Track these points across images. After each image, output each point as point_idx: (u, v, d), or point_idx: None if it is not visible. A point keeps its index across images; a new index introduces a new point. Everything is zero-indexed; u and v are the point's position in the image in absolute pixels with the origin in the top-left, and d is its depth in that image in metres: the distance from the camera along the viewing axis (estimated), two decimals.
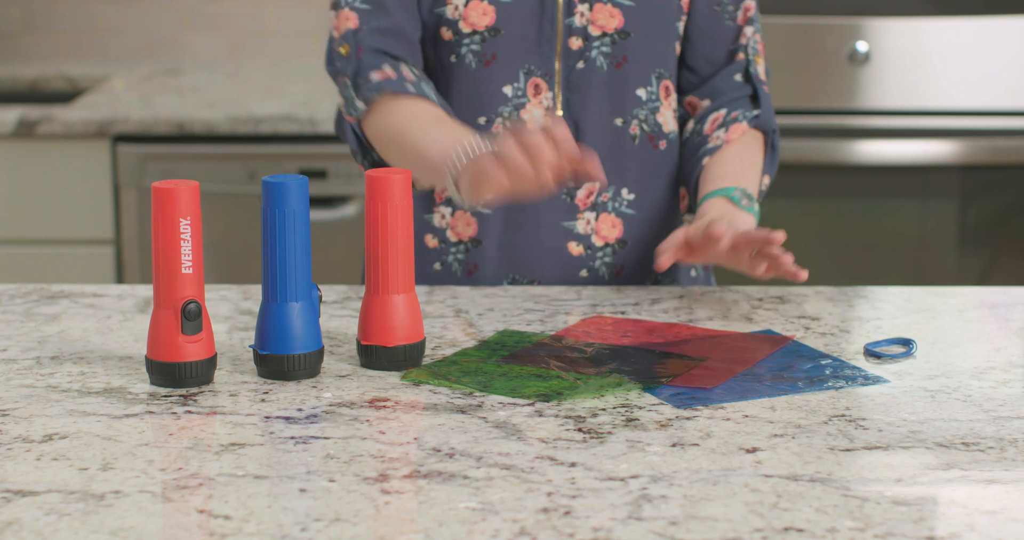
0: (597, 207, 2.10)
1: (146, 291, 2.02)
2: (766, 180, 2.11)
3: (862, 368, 1.73)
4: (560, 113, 2.08)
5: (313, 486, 1.40)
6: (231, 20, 4.08)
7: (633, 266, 2.12)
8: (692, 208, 2.13)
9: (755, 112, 2.11)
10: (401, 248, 1.71)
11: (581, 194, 2.09)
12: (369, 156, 2.11)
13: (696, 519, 1.34)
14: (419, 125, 1.98)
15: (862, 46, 3.27)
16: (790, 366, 1.73)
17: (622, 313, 1.93)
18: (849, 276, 3.33)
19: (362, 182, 3.35)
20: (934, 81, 3.28)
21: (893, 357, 1.77)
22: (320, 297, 1.71)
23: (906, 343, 1.81)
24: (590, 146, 2.08)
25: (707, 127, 2.12)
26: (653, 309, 1.95)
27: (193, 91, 3.68)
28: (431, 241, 2.13)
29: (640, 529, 1.32)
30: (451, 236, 2.12)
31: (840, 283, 3.21)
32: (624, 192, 2.10)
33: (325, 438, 1.52)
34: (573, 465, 1.45)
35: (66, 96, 3.90)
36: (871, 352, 1.78)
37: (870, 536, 1.31)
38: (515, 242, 2.09)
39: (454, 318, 1.91)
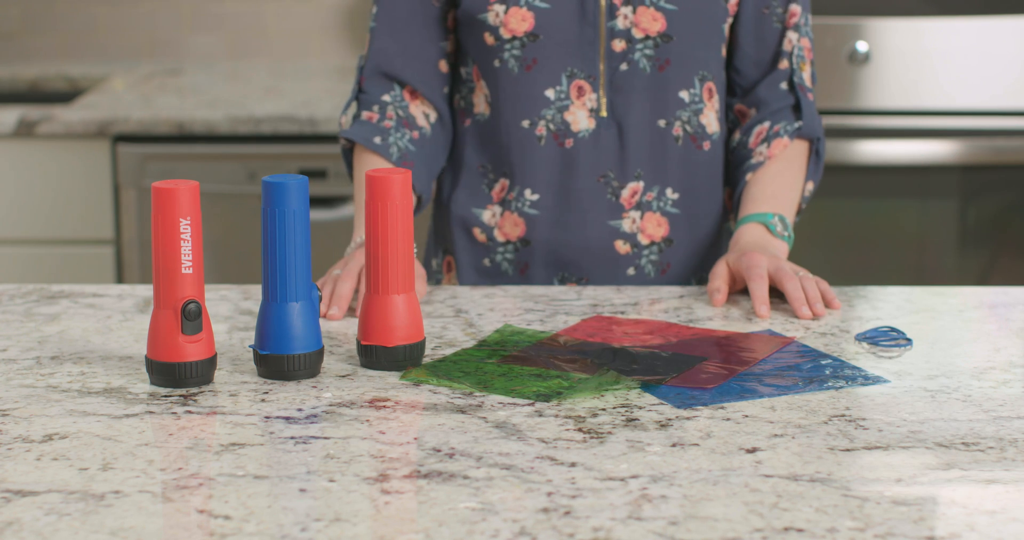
0: (642, 206, 2.12)
1: (146, 291, 2.02)
2: (810, 186, 2.16)
3: (862, 368, 1.73)
4: (604, 115, 2.09)
5: (313, 486, 1.40)
6: (231, 20, 4.08)
7: (679, 265, 2.15)
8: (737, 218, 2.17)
9: (797, 124, 2.14)
10: (401, 248, 1.71)
11: (626, 194, 2.11)
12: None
13: (696, 519, 1.34)
14: (358, 183, 2.11)
15: (862, 46, 3.27)
16: (790, 366, 1.73)
17: (622, 313, 1.93)
18: (849, 276, 3.33)
19: None
20: (934, 81, 3.28)
21: (890, 347, 1.78)
22: (320, 297, 1.71)
23: (895, 331, 1.82)
24: (634, 146, 2.11)
25: (751, 140, 2.16)
26: (653, 309, 1.95)
27: (193, 91, 3.68)
28: (480, 235, 2.15)
29: (640, 529, 1.32)
30: (499, 236, 2.14)
31: (840, 283, 3.20)
32: (668, 192, 2.13)
33: (325, 438, 1.52)
34: (573, 465, 1.45)
35: (66, 96, 3.90)
36: (865, 338, 1.80)
37: (870, 536, 1.31)
38: (562, 242, 2.12)
39: (454, 318, 1.91)
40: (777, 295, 1.99)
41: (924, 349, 1.80)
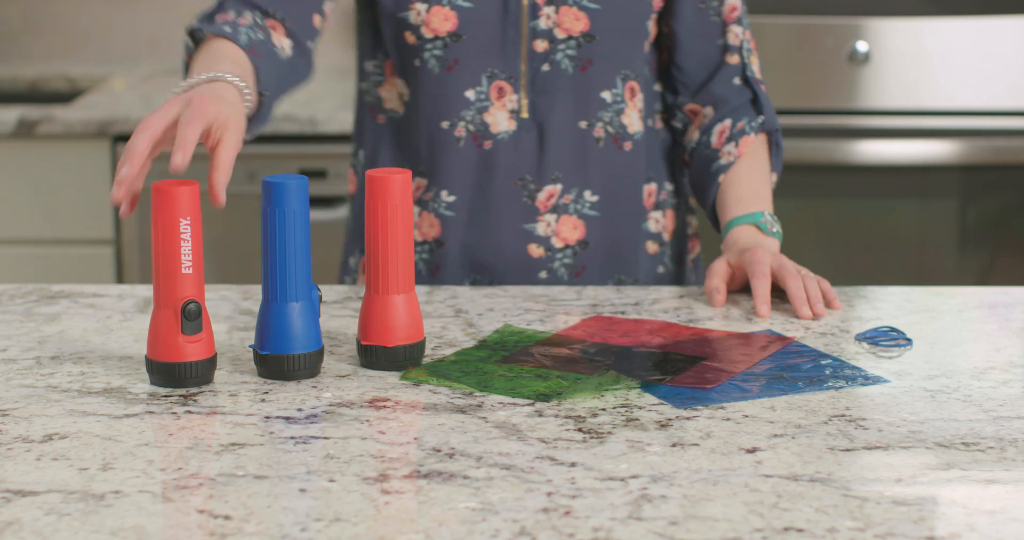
0: (558, 209, 2.10)
1: (146, 291, 2.02)
2: (774, 178, 2.15)
3: (862, 368, 1.73)
4: (525, 116, 2.08)
5: (313, 486, 1.40)
6: None
7: (594, 267, 2.13)
8: (716, 227, 2.15)
9: (760, 119, 2.13)
10: (401, 248, 1.71)
11: (542, 196, 2.09)
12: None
13: (696, 519, 1.34)
14: (207, 55, 1.92)
15: (862, 46, 3.27)
16: (790, 366, 1.73)
17: (622, 313, 1.93)
18: (849, 276, 3.33)
19: None
20: (934, 81, 3.28)
21: (890, 347, 1.78)
22: (320, 297, 1.71)
23: (895, 331, 1.83)
24: (554, 149, 2.09)
25: (715, 140, 2.13)
26: (653, 309, 1.95)
27: None
28: None
29: (640, 529, 1.32)
30: (416, 236, 2.12)
31: (840, 283, 3.20)
32: (587, 194, 2.11)
33: (325, 438, 1.52)
34: (573, 465, 1.45)
35: (66, 96, 3.90)
36: (865, 338, 1.80)
37: (870, 536, 1.31)
38: (476, 244, 2.10)
39: (454, 318, 1.91)
40: (777, 294, 1.99)
41: (924, 349, 1.80)
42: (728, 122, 2.13)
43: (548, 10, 2.06)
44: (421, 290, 2.02)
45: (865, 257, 3.36)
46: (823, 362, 1.74)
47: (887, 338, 1.82)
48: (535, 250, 2.10)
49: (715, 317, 1.92)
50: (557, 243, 2.11)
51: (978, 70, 3.28)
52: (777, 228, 2.07)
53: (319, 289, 1.75)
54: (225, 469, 1.44)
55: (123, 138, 3.40)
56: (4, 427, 1.55)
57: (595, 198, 2.11)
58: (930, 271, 3.37)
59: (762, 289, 1.92)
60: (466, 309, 1.95)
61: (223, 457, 1.47)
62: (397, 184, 1.70)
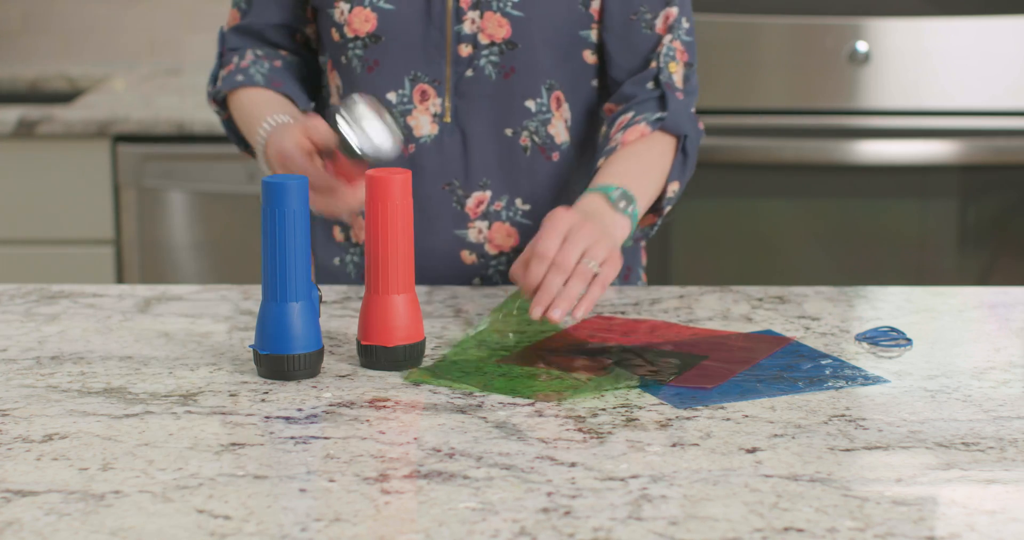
0: (490, 216, 2.08)
1: (146, 291, 2.02)
2: (674, 187, 2.05)
3: (862, 368, 1.73)
4: (448, 120, 2.06)
5: (313, 486, 1.40)
6: None
7: None
8: None
9: (659, 115, 2.05)
10: (401, 248, 1.71)
11: (471, 203, 2.07)
12: (243, 143, 2.17)
13: (696, 519, 1.34)
14: (245, 110, 2.06)
15: (862, 46, 3.27)
16: (790, 366, 1.73)
17: (622, 313, 1.93)
18: (849, 276, 3.33)
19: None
20: (934, 81, 3.28)
21: (890, 347, 1.78)
22: (320, 297, 1.71)
23: (895, 331, 1.83)
24: (479, 155, 2.06)
25: (612, 130, 2.07)
26: (653, 309, 1.95)
27: (193, 91, 3.68)
28: (339, 235, 2.13)
29: (640, 529, 1.32)
30: (353, 237, 2.11)
31: (840, 283, 3.20)
32: (519, 202, 2.08)
33: (325, 438, 1.52)
34: (573, 465, 1.45)
35: (66, 96, 3.90)
36: (865, 338, 1.80)
37: (870, 536, 1.31)
38: None
39: (454, 318, 1.91)
40: (773, 295, 1.99)
41: (924, 349, 1.80)
42: (629, 115, 2.06)
43: (473, 14, 2.03)
44: (421, 290, 2.02)
45: (865, 257, 3.36)
46: (823, 362, 1.75)
47: (887, 338, 1.82)
48: (467, 256, 2.08)
49: (715, 317, 1.92)
50: (491, 250, 2.08)
51: (978, 70, 3.28)
52: (631, 208, 1.95)
53: (319, 289, 1.75)
54: (225, 469, 1.44)
55: (123, 138, 3.40)
56: (4, 427, 1.55)
57: (527, 206, 2.08)
58: (930, 271, 3.37)
59: (531, 275, 1.81)
60: (466, 309, 1.95)
61: (223, 457, 1.47)
62: (397, 184, 1.70)
